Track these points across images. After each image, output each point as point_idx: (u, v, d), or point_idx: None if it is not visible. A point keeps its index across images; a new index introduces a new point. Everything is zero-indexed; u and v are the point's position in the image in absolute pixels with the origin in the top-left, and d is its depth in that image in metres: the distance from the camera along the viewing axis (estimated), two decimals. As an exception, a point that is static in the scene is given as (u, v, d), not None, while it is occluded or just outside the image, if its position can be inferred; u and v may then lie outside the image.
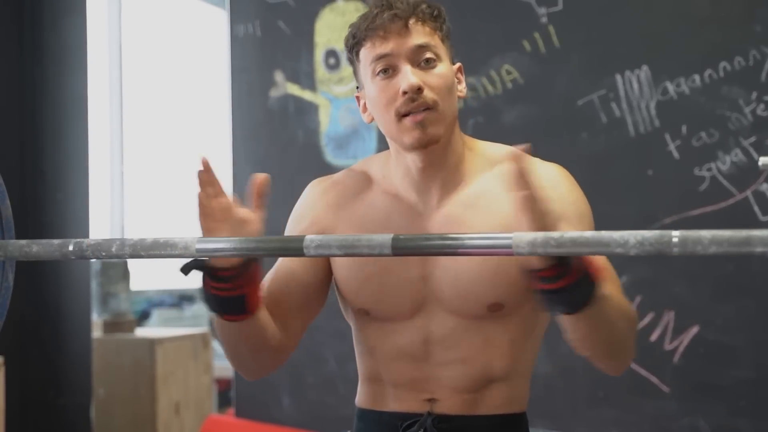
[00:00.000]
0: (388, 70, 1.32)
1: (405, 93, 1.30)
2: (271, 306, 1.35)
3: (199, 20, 5.48)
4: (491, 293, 1.33)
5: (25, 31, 3.36)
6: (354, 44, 1.36)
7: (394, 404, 1.40)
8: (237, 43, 3.08)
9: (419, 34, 1.32)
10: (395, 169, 1.40)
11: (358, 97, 1.42)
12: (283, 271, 1.40)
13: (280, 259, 1.43)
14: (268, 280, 1.40)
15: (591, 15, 2.55)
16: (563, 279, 1.07)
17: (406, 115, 1.31)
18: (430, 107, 1.30)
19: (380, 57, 1.32)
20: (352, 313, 1.44)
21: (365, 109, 1.40)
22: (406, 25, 1.31)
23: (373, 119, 1.39)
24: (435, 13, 1.35)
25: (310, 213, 1.44)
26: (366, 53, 1.34)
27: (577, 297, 1.11)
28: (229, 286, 1.20)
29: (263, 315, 1.30)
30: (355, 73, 1.40)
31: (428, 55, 1.32)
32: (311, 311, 1.43)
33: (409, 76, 1.30)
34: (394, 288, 1.36)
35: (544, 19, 2.60)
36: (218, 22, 4.99)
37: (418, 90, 1.29)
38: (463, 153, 1.39)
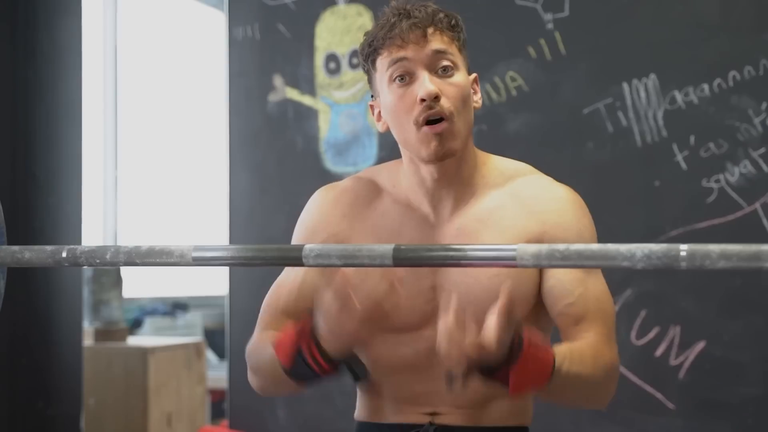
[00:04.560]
0: (405, 76, 1.32)
1: (423, 101, 1.30)
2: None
3: (196, 22, 5.44)
4: None
5: (18, 31, 3.31)
6: (370, 53, 1.36)
7: (395, 417, 1.39)
8: (235, 46, 3.04)
9: (437, 42, 1.32)
10: (407, 179, 1.40)
11: (372, 106, 1.42)
12: (306, 286, 1.39)
13: (294, 274, 1.41)
14: (291, 298, 1.40)
15: (598, 21, 2.52)
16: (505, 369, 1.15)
17: (424, 124, 1.31)
18: (446, 117, 1.30)
19: (397, 61, 1.32)
20: None
21: (379, 118, 1.40)
22: (424, 34, 1.32)
23: (387, 128, 1.39)
24: (453, 22, 1.35)
25: (325, 224, 1.43)
26: (382, 61, 1.34)
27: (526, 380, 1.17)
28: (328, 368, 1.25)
29: None
30: (370, 82, 1.40)
31: (445, 62, 1.32)
32: None
33: (426, 83, 1.30)
34: (404, 298, 1.35)
35: (550, 26, 2.56)
36: (216, 25, 4.95)
37: (435, 98, 1.30)
38: (476, 166, 1.39)
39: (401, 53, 1.31)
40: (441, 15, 1.34)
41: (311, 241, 1.42)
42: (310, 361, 1.22)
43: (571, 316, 1.31)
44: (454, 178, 1.36)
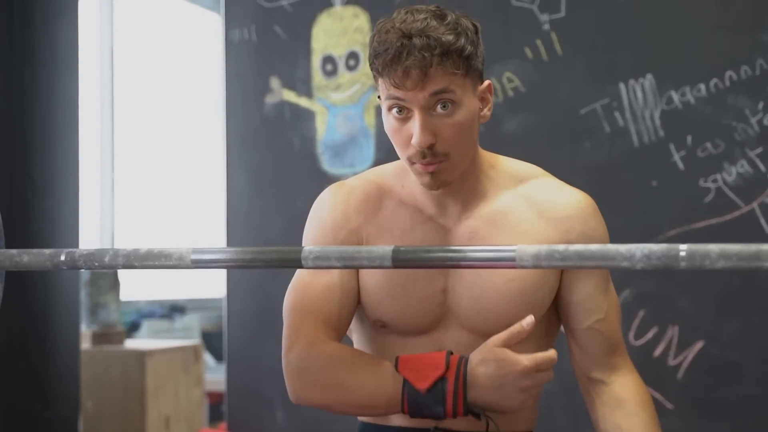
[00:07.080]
0: (402, 110, 1.27)
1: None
2: (338, 330, 1.34)
3: (193, 24, 5.44)
4: (514, 314, 1.30)
5: (15, 32, 3.31)
6: (372, 65, 1.29)
7: (399, 420, 1.37)
8: (232, 48, 3.04)
9: (438, 82, 1.24)
10: (414, 182, 1.36)
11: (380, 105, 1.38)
12: (328, 289, 1.34)
13: (327, 278, 1.35)
14: (334, 309, 1.34)
15: (594, 22, 2.52)
16: None
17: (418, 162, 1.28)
18: (440, 161, 1.27)
19: (393, 98, 1.26)
20: (365, 324, 1.41)
21: None
22: (424, 76, 1.23)
23: None
24: (460, 45, 1.25)
25: (344, 221, 1.38)
26: (382, 84, 1.28)
27: None
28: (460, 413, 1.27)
29: None
30: (377, 83, 1.34)
31: (445, 101, 1.25)
32: (356, 308, 1.40)
33: (419, 132, 1.24)
34: (416, 301, 1.34)
35: (546, 26, 2.56)
36: (213, 27, 4.95)
37: (429, 146, 1.25)
38: (483, 171, 1.36)
39: (398, 93, 1.24)
40: (448, 41, 1.23)
41: (332, 239, 1.37)
42: (449, 398, 1.23)
43: (603, 338, 1.34)
44: (459, 188, 1.34)
